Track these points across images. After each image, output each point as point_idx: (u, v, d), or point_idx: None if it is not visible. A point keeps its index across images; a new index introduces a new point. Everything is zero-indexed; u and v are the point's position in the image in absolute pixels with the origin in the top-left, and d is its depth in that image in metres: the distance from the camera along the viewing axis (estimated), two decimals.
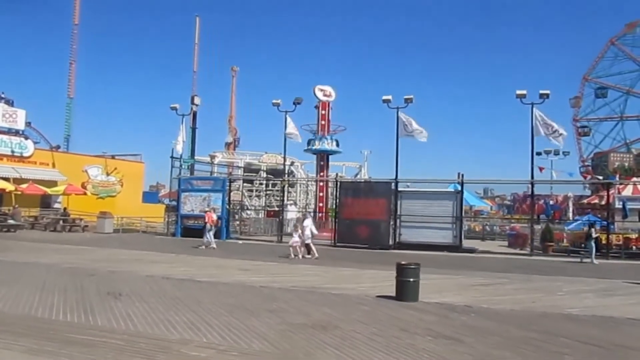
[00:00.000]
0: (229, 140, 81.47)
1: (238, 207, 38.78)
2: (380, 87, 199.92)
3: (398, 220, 26.93)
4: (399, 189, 27.88)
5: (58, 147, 49.02)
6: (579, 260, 22.97)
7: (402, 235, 26.79)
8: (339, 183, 30.58)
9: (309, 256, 20.59)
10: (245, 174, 58.73)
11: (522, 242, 29.58)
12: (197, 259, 18.82)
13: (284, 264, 18.37)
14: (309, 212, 25.02)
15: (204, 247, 23.63)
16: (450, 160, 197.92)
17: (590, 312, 10.49)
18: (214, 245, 23.98)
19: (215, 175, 43.25)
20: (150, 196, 57.29)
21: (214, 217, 25.37)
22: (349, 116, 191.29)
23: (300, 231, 20.89)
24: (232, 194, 38.89)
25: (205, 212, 26.06)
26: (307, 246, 20.99)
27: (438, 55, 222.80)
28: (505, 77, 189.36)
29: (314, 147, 38.73)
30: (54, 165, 41.40)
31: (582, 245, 24.09)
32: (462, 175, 28.14)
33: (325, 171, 38.80)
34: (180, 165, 34.65)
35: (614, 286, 14.79)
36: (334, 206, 31.56)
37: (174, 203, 34.10)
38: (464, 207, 30.54)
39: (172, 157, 34.29)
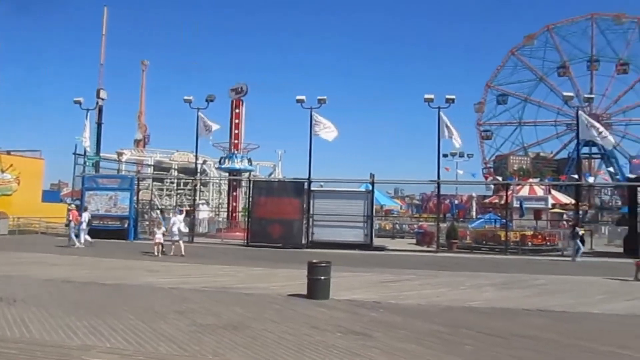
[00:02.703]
0: (138, 137, 78.51)
1: (147, 207, 37.49)
2: (296, 86, 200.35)
3: (311, 220, 27.18)
4: (312, 189, 28.16)
5: None
6: (570, 259, 23.12)
7: (314, 234, 27.06)
8: (251, 182, 30.41)
9: (172, 253, 20.31)
10: (155, 172, 56.95)
11: (429, 240, 30.80)
12: (102, 261, 17.93)
13: (195, 264, 17.89)
14: (179, 210, 24.84)
15: (74, 246, 22.53)
16: (363, 160, 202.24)
17: (490, 305, 11.14)
18: (79, 245, 22.76)
19: (122, 173, 41.49)
20: (51, 195, 53.75)
21: (87, 216, 24.09)
22: (264, 114, 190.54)
23: (164, 228, 20.71)
24: (141, 193, 37.58)
25: (69, 210, 24.87)
26: (175, 243, 20.77)
27: (350, 58, 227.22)
28: (415, 81, 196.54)
29: (226, 166, 37.67)
30: None
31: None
32: (373, 176, 28.89)
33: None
34: (85, 163, 32.96)
35: (511, 280, 15.77)
36: (247, 205, 31.32)
37: (78, 202, 32.34)
38: (375, 207, 31.36)
39: (75, 153, 32.58)
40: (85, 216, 23.89)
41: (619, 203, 66.06)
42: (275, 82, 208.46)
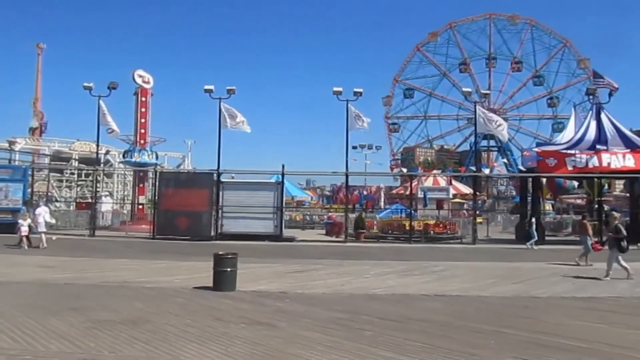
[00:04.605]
0: (34, 125, 73.15)
1: (45, 199, 35.26)
2: (206, 75, 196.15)
3: (220, 211, 26.80)
4: (222, 180, 27.77)
5: None
6: (526, 247, 23.91)
7: (224, 226, 26.72)
8: (158, 173, 29.45)
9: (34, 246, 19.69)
10: (53, 162, 53.65)
11: (337, 230, 31.36)
12: None
13: (95, 259, 17.13)
14: (43, 200, 24.08)
15: None
16: (276, 152, 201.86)
17: (390, 291, 11.57)
18: None
19: (16, 163, 38.72)
20: None
21: None
22: (174, 104, 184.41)
23: (29, 220, 20.16)
24: (37, 184, 35.34)
25: None
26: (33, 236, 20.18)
27: (259, 49, 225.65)
28: (325, 75, 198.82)
29: (130, 159, 36.04)
30: None
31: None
32: (284, 167, 28.88)
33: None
34: None
35: (413, 267, 16.46)
36: (153, 197, 30.33)
37: None
38: (285, 198, 31.46)
39: None
40: None
41: (514, 193, 70.98)
42: (188, 70, 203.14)
